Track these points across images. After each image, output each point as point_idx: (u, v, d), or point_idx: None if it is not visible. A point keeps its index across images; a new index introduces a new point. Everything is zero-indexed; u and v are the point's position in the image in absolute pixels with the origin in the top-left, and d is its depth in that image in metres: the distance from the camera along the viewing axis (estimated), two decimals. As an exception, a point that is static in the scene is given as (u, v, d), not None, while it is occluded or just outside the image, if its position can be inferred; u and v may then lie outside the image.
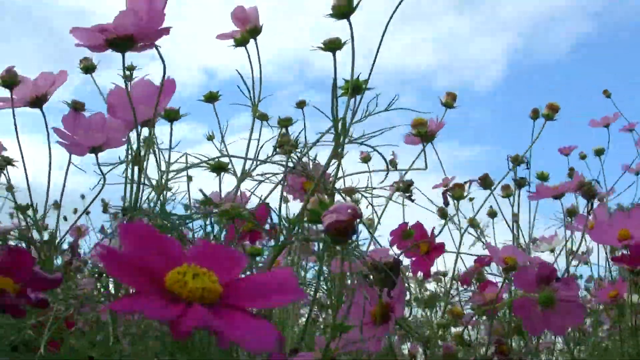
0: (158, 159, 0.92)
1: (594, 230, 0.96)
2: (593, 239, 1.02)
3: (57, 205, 0.93)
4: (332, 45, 0.73)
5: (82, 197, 1.80)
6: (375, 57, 0.72)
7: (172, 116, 0.90)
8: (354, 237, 0.60)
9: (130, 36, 0.68)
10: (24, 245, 0.85)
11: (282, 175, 0.88)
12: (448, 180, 1.28)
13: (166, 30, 0.69)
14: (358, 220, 0.58)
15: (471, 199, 1.16)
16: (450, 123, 1.00)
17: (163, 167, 0.92)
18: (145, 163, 0.88)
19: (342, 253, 0.62)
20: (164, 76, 0.75)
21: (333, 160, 0.81)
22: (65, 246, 0.99)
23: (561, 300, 0.81)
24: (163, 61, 0.73)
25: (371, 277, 0.70)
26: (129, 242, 0.40)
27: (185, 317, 0.36)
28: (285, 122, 0.97)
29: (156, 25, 0.68)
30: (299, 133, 0.88)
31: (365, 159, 1.28)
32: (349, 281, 0.77)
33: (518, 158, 1.11)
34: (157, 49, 0.71)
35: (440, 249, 1.01)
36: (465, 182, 1.11)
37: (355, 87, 0.71)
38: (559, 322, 0.81)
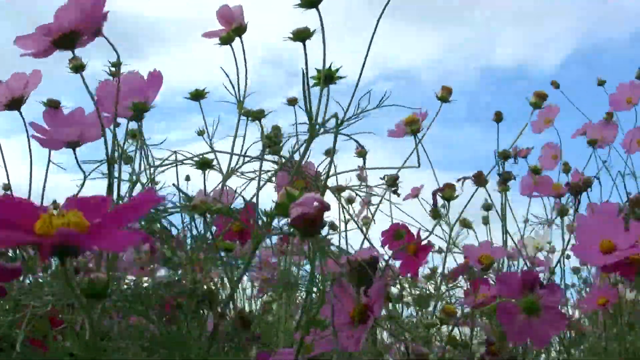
0: (145, 154, 0.91)
1: (576, 246, 0.88)
2: (576, 256, 0.94)
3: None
4: (302, 35, 0.73)
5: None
6: (368, 50, 0.72)
7: (140, 108, 0.89)
8: (324, 231, 0.58)
9: (74, 30, 0.67)
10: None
11: (266, 171, 0.87)
12: (418, 190, 1.27)
13: (104, 16, 0.67)
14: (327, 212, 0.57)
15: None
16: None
17: (148, 163, 0.91)
18: (135, 158, 0.88)
19: (312, 247, 0.60)
20: (118, 65, 0.74)
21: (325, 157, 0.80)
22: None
23: (545, 307, 0.78)
24: (116, 50, 0.73)
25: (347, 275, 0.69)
26: None
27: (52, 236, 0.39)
28: (257, 114, 0.95)
29: (98, 13, 0.66)
30: (279, 129, 0.86)
31: (361, 153, 1.25)
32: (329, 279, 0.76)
33: (506, 153, 1.09)
34: (106, 38, 0.71)
35: (427, 249, 1.00)
36: (459, 179, 1.09)
37: (328, 77, 0.70)
38: (541, 329, 0.78)
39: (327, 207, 0.58)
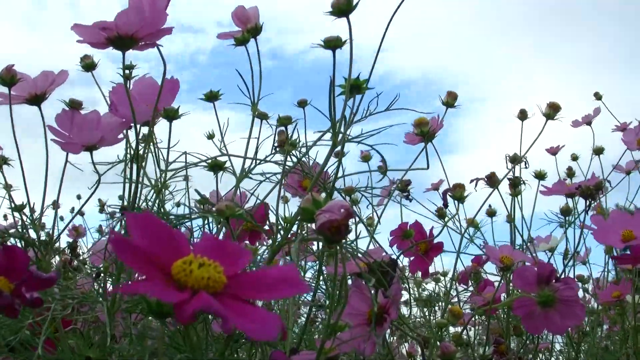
0: (157, 158, 0.92)
1: (597, 231, 0.95)
2: (597, 240, 1.01)
3: (57, 205, 0.93)
4: (333, 44, 0.73)
5: (78, 197, 1.80)
6: (383, 51, 0.71)
7: (171, 115, 0.90)
8: (349, 237, 0.59)
9: (131, 35, 0.68)
10: (21, 244, 0.85)
11: (280, 174, 0.88)
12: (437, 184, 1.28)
13: (168, 30, 0.68)
14: (352, 219, 0.58)
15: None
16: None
17: (162, 166, 0.92)
18: (144, 162, 0.88)
19: (337, 252, 0.61)
20: (164, 75, 0.75)
21: (334, 160, 0.81)
22: (63, 246, 0.99)
23: (561, 300, 0.80)
24: (164, 60, 0.72)
25: (366, 277, 0.70)
26: (136, 230, 0.40)
27: (191, 302, 0.37)
28: (284, 121, 0.96)
29: (158, 25, 0.67)
30: (294, 131, 0.87)
31: (366, 157, 1.27)
32: (348, 282, 0.77)
33: (516, 157, 1.10)
34: (158, 48, 0.71)
35: (438, 248, 1.01)
36: (472, 181, 1.10)
37: (354, 87, 0.71)
38: (558, 322, 0.81)
39: (352, 214, 0.59)
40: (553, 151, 1.47)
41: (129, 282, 0.48)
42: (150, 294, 0.37)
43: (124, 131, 0.88)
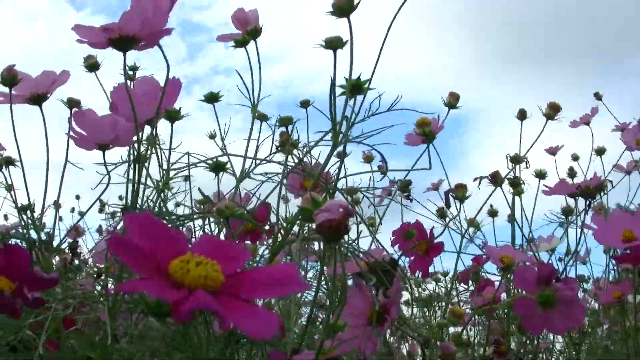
0: (160, 158, 0.92)
1: (597, 231, 0.95)
2: (597, 240, 1.01)
3: (58, 205, 0.93)
4: (333, 44, 0.72)
5: (77, 197, 1.80)
6: (379, 52, 0.72)
7: (173, 116, 0.90)
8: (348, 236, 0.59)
9: (133, 36, 0.68)
10: (23, 244, 0.85)
11: (282, 174, 0.88)
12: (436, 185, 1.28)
13: (168, 31, 0.68)
14: (352, 218, 0.58)
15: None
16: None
17: (164, 167, 0.92)
18: (147, 162, 0.88)
19: (336, 252, 0.61)
20: (167, 76, 0.75)
21: (335, 160, 0.81)
22: (64, 246, 0.99)
23: (561, 300, 0.80)
24: (167, 61, 0.72)
25: (367, 276, 0.70)
26: (134, 230, 0.41)
27: (188, 300, 0.37)
28: (285, 121, 0.96)
29: (160, 26, 0.67)
30: (294, 131, 0.87)
31: (368, 158, 1.27)
32: (348, 281, 0.77)
33: (518, 157, 1.11)
34: (160, 48, 0.71)
35: (439, 248, 1.01)
36: (476, 179, 1.10)
37: (356, 87, 0.70)
38: (559, 322, 0.81)
39: (351, 214, 0.59)
40: (552, 151, 1.46)
41: (128, 281, 0.48)
42: (148, 293, 0.37)
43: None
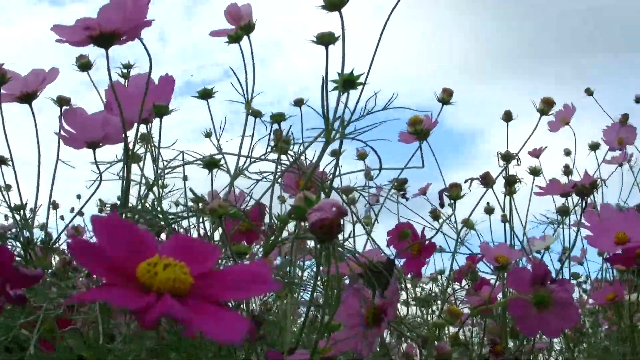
0: (155, 156, 0.91)
1: (590, 237, 0.93)
2: (591, 245, 0.99)
3: (55, 205, 0.92)
4: (325, 39, 0.71)
5: (78, 197, 1.79)
6: (375, 49, 0.71)
7: (162, 111, 0.89)
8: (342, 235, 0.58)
9: (113, 32, 0.67)
10: (18, 244, 0.84)
11: (277, 173, 0.87)
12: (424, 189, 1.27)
13: (148, 23, 0.68)
14: (345, 217, 0.57)
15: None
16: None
17: (158, 165, 0.91)
18: (142, 161, 0.88)
19: (329, 251, 0.60)
20: (150, 69, 0.74)
21: (331, 158, 0.80)
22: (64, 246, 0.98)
23: (556, 301, 0.80)
24: (149, 54, 0.72)
25: (363, 277, 0.69)
26: (101, 234, 0.39)
27: (155, 306, 0.36)
28: (277, 118, 0.95)
29: (140, 19, 0.67)
30: (289, 130, 0.86)
31: (362, 156, 1.25)
32: (345, 281, 0.76)
33: (509, 155, 1.10)
34: (142, 42, 0.71)
35: (430, 249, 1.01)
36: (467, 180, 1.09)
37: (348, 82, 0.69)
38: (553, 323, 0.80)
39: (344, 213, 0.59)
40: (536, 154, 1.43)
41: (90, 289, 0.47)
42: (109, 301, 0.35)
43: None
